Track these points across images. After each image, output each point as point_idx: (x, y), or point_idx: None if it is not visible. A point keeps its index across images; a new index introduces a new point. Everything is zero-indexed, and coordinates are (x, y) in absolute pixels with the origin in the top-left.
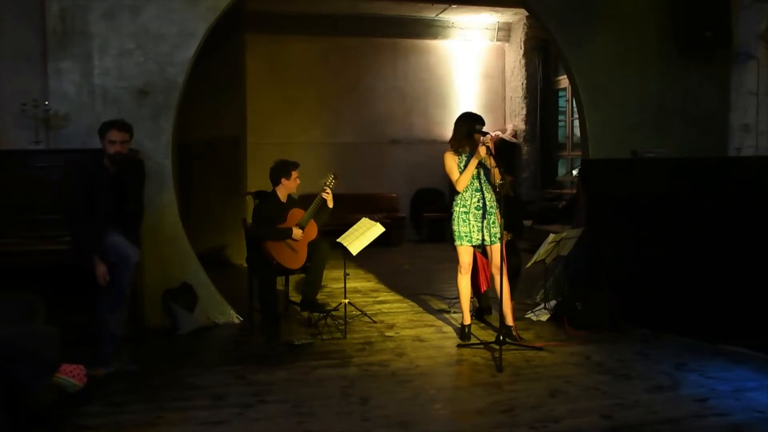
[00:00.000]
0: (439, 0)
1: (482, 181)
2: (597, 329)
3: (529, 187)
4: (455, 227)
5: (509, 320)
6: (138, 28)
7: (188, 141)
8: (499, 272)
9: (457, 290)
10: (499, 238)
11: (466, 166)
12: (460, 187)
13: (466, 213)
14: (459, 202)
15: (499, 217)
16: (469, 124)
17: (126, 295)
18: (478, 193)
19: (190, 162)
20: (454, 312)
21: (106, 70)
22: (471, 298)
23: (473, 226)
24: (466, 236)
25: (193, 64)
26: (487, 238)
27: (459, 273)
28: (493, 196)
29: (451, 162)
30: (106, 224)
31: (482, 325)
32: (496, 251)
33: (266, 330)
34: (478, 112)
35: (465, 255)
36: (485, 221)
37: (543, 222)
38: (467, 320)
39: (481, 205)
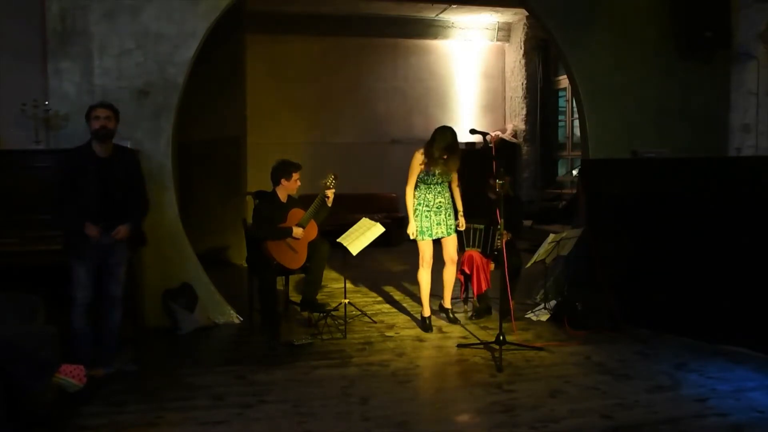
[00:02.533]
0: (439, 0)
1: (445, 186)
2: (597, 329)
3: (529, 187)
4: (418, 223)
5: (447, 303)
6: (138, 28)
7: (188, 141)
8: (452, 264)
9: (418, 283)
10: (455, 230)
11: (426, 175)
12: (407, 190)
13: (428, 211)
14: (422, 202)
15: (500, 218)
16: (433, 145)
17: (78, 299)
18: (440, 195)
19: (190, 162)
20: (455, 312)
21: (106, 70)
22: (471, 298)
23: (433, 221)
24: (427, 230)
25: (193, 64)
26: (444, 231)
27: (421, 267)
28: (449, 197)
29: (416, 164)
30: (90, 211)
31: (482, 324)
32: (451, 242)
33: (266, 330)
34: (478, 112)
35: (427, 248)
36: (445, 216)
37: (543, 222)
38: (427, 312)
39: (441, 204)
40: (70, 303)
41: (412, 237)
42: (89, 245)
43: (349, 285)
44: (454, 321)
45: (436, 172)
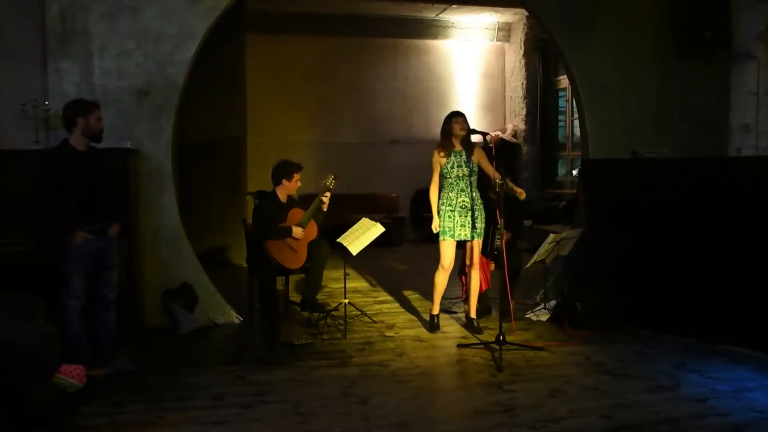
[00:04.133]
0: (439, 0)
1: (470, 183)
2: (597, 329)
3: (529, 187)
4: (440, 222)
5: (473, 313)
6: (138, 28)
7: (188, 141)
8: (475, 270)
9: (434, 283)
10: (480, 234)
11: (453, 167)
12: (430, 188)
13: (452, 211)
14: (445, 201)
15: (500, 218)
16: (446, 123)
17: (71, 306)
18: (464, 194)
19: (190, 162)
20: (455, 312)
21: (106, 70)
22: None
23: (456, 222)
24: (449, 231)
25: (193, 64)
26: (468, 233)
27: (440, 269)
28: (479, 196)
29: (436, 161)
30: (78, 209)
31: (482, 324)
32: (476, 246)
33: (266, 330)
34: (478, 112)
35: (448, 250)
36: (471, 218)
37: (543, 222)
38: (436, 311)
39: (466, 204)
40: (64, 308)
41: (435, 231)
42: (85, 254)
43: (349, 285)
44: (478, 331)
45: (461, 154)
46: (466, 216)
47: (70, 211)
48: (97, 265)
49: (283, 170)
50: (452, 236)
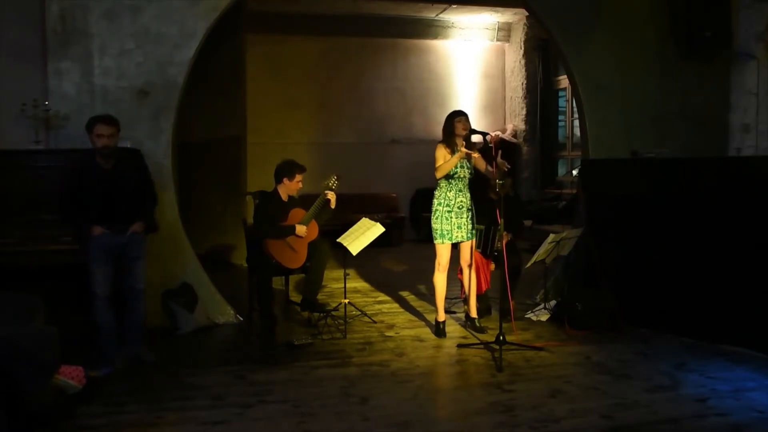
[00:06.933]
0: (439, 0)
1: (467, 184)
2: (597, 329)
3: (529, 187)
4: (437, 225)
5: (473, 312)
6: (138, 28)
7: (188, 141)
8: (468, 267)
9: (434, 287)
10: (473, 234)
11: (456, 167)
12: (438, 174)
13: (449, 212)
14: (443, 201)
15: (500, 218)
16: (449, 121)
17: (98, 294)
18: (461, 194)
19: (190, 162)
20: (455, 312)
21: (106, 70)
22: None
23: (453, 224)
24: (447, 234)
25: (193, 64)
26: (465, 235)
27: (437, 270)
28: (470, 196)
29: (440, 154)
30: (97, 217)
31: (482, 324)
32: (467, 247)
33: (263, 328)
34: (478, 112)
35: (445, 253)
36: (463, 219)
37: (543, 222)
38: (442, 317)
39: (463, 205)
40: (92, 297)
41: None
42: (103, 247)
43: (349, 285)
44: (481, 330)
45: (463, 151)
46: (461, 217)
47: (90, 212)
48: (122, 259)
49: (287, 169)
50: (450, 239)
